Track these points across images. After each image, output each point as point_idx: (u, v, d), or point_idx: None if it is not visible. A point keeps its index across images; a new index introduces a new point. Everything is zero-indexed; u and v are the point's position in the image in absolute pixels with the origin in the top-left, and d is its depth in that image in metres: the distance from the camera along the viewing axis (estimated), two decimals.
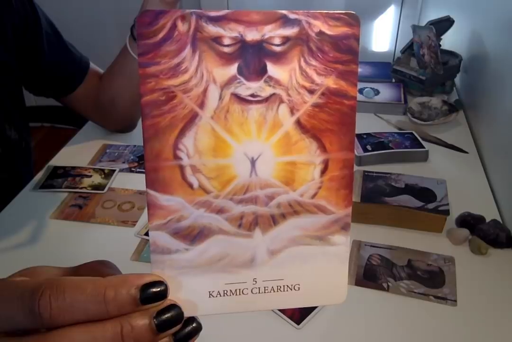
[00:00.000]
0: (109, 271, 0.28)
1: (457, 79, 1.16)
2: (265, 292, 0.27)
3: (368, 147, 0.87)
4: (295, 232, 0.27)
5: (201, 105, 0.25)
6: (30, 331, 0.24)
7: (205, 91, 0.25)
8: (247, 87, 0.25)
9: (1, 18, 0.75)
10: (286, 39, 0.25)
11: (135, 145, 0.93)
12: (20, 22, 0.78)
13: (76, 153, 0.92)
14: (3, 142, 0.80)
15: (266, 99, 0.25)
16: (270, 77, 0.25)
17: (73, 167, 0.86)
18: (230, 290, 0.27)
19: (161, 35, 0.24)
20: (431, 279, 0.62)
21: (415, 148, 0.87)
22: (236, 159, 0.26)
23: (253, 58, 0.25)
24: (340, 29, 0.25)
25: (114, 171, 0.85)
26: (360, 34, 0.25)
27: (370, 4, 1.78)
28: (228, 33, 0.24)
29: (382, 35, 1.80)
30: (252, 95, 0.25)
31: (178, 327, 0.25)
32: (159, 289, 0.25)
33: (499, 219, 0.71)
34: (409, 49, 1.14)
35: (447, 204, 0.70)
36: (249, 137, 0.25)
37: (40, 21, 0.81)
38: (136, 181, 0.83)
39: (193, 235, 0.26)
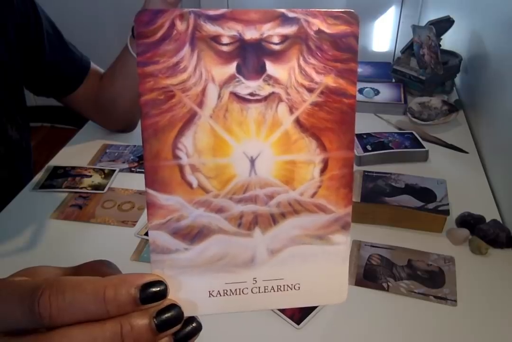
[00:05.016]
0: (109, 270, 0.28)
1: (457, 79, 1.16)
2: (265, 292, 0.27)
3: (368, 147, 0.87)
4: (295, 231, 0.27)
5: (200, 104, 0.25)
6: (30, 331, 0.24)
7: (204, 90, 0.25)
8: (246, 86, 0.25)
9: (2, 18, 0.75)
10: (284, 38, 0.25)
11: (135, 145, 0.93)
12: (21, 22, 0.78)
13: (76, 153, 0.92)
14: (5, 142, 0.80)
15: (265, 98, 0.25)
16: (269, 76, 0.25)
17: (73, 168, 0.86)
18: (230, 290, 0.27)
19: (159, 34, 0.24)
20: (431, 279, 0.62)
21: (415, 148, 0.87)
22: (236, 158, 0.26)
23: (252, 57, 0.25)
24: (339, 27, 0.25)
25: (114, 170, 0.85)
26: (359, 32, 0.25)
27: (370, 4, 1.78)
28: (227, 32, 0.24)
29: (382, 35, 1.81)
30: (251, 94, 0.25)
31: (178, 327, 0.25)
32: (159, 289, 0.25)
33: (499, 219, 0.71)
34: (409, 49, 1.14)
35: (447, 204, 0.70)
36: (248, 136, 0.25)
37: (41, 21, 0.81)
38: (136, 181, 0.83)
39: (193, 235, 0.26)
